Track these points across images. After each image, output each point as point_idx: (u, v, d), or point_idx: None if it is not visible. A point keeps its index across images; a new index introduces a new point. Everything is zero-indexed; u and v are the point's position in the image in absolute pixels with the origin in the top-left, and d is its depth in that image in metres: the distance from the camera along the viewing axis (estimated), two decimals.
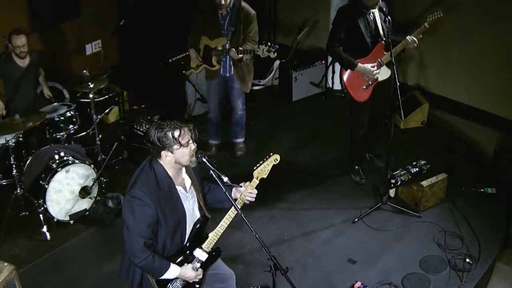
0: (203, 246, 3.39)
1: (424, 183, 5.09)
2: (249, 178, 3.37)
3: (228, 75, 5.67)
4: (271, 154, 3.41)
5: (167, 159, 3.17)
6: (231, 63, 5.59)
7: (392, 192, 5.29)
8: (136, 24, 6.55)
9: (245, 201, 3.38)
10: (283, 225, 5.13)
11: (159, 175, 3.18)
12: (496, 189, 5.39)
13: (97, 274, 4.59)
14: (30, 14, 6.32)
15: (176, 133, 3.12)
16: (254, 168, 3.38)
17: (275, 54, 5.30)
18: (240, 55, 5.38)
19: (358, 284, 4.39)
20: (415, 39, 4.96)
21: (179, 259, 3.35)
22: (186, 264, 3.37)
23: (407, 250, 4.79)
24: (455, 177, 5.36)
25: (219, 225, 3.36)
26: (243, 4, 5.49)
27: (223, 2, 5.35)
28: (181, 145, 3.13)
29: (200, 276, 3.42)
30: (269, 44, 5.26)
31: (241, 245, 4.85)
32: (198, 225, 3.39)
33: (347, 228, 5.07)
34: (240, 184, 3.40)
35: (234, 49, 5.35)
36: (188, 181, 3.36)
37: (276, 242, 4.87)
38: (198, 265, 3.39)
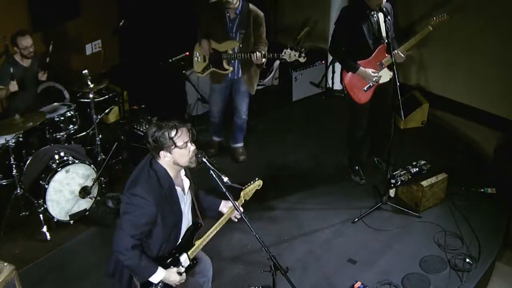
0: (188, 252, 3.40)
1: (424, 183, 5.09)
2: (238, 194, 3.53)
3: (236, 77, 5.63)
4: (256, 179, 3.62)
5: (165, 160, 3.17)
6: (239, 66, 5.55)
7: (392, 192, 5.29)
8: (136, 24, 6.55)
9: (233, 218, 3.52)
10: (283, 225, 5.13)
11: (161, 175, 3.18)
12: (496, 189, 5.39)
13: (97, 274, 4.57)
14: (30, 14, 6.31)
15: (173, 133, 3.11)
16: (243, 188, 3.53)
17: (305, 58, 5.26)
18: (264, 59, 5.34)
19: (358, 284, 4.39)
20: (401, 54, 4.98)
21: (168, 261, 3.35)
22: (171, 267, 3.35)
23: (407, 250, 4.79)
24: (455, 177, 5.36)
25: (206, 234, 3.40)
26: (251, 6, 5.43)
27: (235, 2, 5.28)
28: (175, 145, 3.12)
29: (183, 280, 3.40)
30: (296, 48, 5.21)
31: (241, 245, 4.85)
32: (190, 231, 3.39)
33: (347, 228, 5.07)
34: (240, 187, 3.49)
35: (258, 53, 5.27)
36: (186, 183, 3.36)
37: (276, 242, 4.88)
38: (183, 269, 3.39)
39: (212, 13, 5.49)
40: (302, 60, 5.27)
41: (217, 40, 5.51)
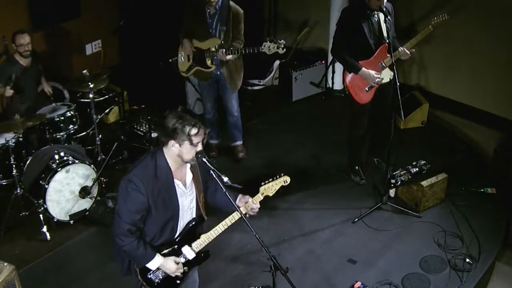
0: (192, 245, 3.41)
1: (424, 183, 5.09)
2: (256, 191, 3.41)
3: (219, 73, 5.65)
4: (282, 174, 3.47)
5: (172, 149, 3.17)
6: (219, 62, 5.58)
7: (392, 192, 5.29)
8: (136, 24, 6.55)
9: (250, 212, 3.43)
10: (283, 225, 5.13)
11: (159, 166, 3.19)
12: (496, 189, 5.39)
13: (97, 274, 4.59)
14: (30, 14, 6.32)
15: (194, 131, 3.11)
16: (262, 183, 3.42)
17: (284, 49, 5.26)
18: (229, 56, 5.36)
19: (358, 284, 4.39)
20: (407, 51, 4.98)
21: (166, 251, 3.36)
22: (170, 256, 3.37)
23: (407, 250, 4.79)
24: (455, 177, 5.36)
25: (214, 229, 3.38)
26: (231, 3, 5.46)
27: None
28: (191, 142, 3.13)
29: (181, 270, 3.41)
30: (275, 40, 5.22)
31: (241, 245, 4.85)
32: (192, 224, 3.40)
33: (347, 228, 5.07)
34: (240, 186, 3.42)
35: (223, 50, 5.31)
36: (189, 177, 3.36)
37: (276, 242, 4.88)
38: (182, 260, 3.40)
39: (193, 11, 5.51)
40: (281, 51, 5.27)
41: (199, 38, 5.53)
